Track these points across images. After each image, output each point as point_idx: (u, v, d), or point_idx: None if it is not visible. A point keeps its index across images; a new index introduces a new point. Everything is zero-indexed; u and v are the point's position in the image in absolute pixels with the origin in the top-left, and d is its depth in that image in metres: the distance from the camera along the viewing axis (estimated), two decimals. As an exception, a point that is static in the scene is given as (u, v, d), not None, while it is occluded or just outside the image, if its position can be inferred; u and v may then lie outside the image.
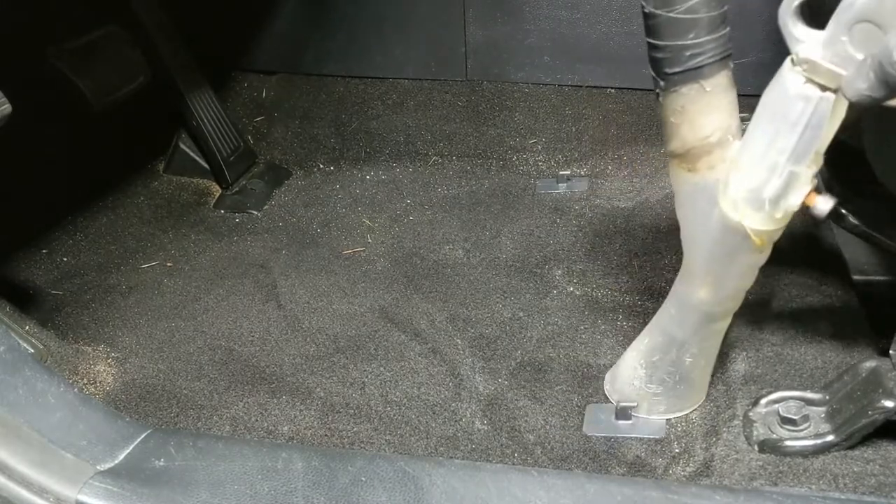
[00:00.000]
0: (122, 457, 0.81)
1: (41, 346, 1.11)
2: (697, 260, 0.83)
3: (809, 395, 0.88)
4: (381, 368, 1.10)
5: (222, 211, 1.59)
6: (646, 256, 1.27)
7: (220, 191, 1.65)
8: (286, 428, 1.01)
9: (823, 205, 0.73)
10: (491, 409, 1.01)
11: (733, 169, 0.74)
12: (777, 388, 0.91)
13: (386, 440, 0.98)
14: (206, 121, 1.65)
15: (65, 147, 1.51)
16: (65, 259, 1.43)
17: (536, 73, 1.71)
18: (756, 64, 1.56)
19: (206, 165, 1.67)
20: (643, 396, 0.94)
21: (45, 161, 1.46)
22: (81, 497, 0.76)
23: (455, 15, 1.71)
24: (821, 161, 0.71)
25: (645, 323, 1.13)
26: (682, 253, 1.27)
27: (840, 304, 1.07)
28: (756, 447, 0.85)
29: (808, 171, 0.71)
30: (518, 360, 1.09)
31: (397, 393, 1.06)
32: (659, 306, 1.17)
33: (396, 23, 1.75)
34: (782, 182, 0.71)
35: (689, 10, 0.70)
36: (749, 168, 0.72)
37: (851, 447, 0.82)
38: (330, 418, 1.02)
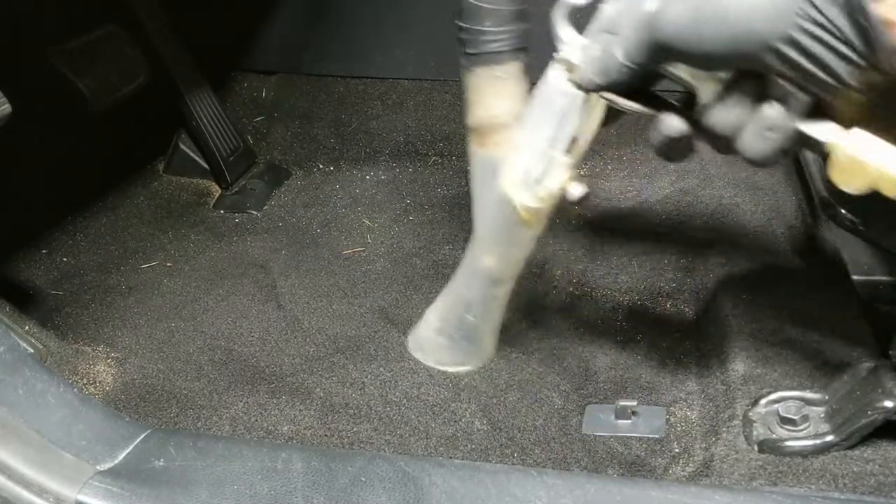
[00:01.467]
0: (121, 457, 0.81)
1: (41, 346, 1.11)
2: (483, 229, 0.95)
3: (809, 395, 0.88)
4: (381, 368, 1.10)
5: (222, 211, 1.59)
6: (645, 256, 1.27)
7: (220, 191, 1.65)
8: (286, 428, 1.01)
9: (576, 191, 0.80)
10: (491, 409, 1.01)
11: (511, 148, 0.83)
12: (777, 388, 0.91)
13: (386, 440, 0.98)
14: (205, 121, 1.65)
15: (65, 147, 1.51)
16: (65, 259, 1.43)
17: (536, 74, 1.71)
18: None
19: (205, 165, 1.67)
20: (433, 347, 1.06)
21: (45, 161, 1.46)
22: (81, 497, 0.76)
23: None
24: (581, 151, 0.80)
25: (644, 323, 1.13)
26: (682, 253, 1.27)
27: (840, 304, 1.07)
28: (756, 447, 0.85)
29: (565, 158, 0.79)
30: (517, 361, 1.09)
31: (397, 393, 1.06)
32: (658, 306, 1.17)
33: (396, 23, 1.74)
34: (543, 165, 0.80)
35: (490, 0, 0.81)
36: (521, 149, 0.81)
37: (851, 447, 0.82)
38: (330, 418, 1.02)
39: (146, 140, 1.71)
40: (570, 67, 0.72)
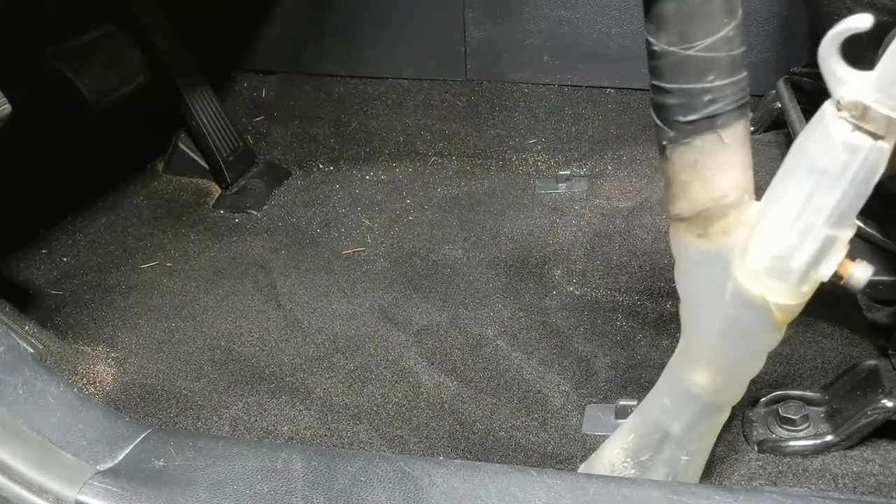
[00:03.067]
0: (121, 457, 0.81)
1: (41, 346, 1.11)
2: (703, 340, 0.71)
3: (809, 395, 0.88)
4: (381, 369, 1.10)
5: (222, 211, 1.59)
6: (645, 256, 1.27)
7: (220, 191, 1.65)
8: (286, 428, 1.01)
9: (861, 274, 0.62)
10: (490, 410, 1.01)
11: (754, 234, 0.64)
12: (777, 388, 0.91)
13: (386, 440, 0.98)
14: (205, 121, 1.65)
15: (65, 147, 1.51)
16: (65, 259, 1.43)
17: (536, 73, 1.71)
18: (755, 64, 1.56)
19: (205, 165, 1.67)
20: None
21: (45, 161, 1.46)
22: (81, 497, 0.76)
23: (455, 15, 1.71)
24: (857, 223, 0.62)
25: (644, 323, 1.13)
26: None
27: (840, 304, 1.07)
28: (755, 447, 0.85)
29: (847, 235, 0.61)
30: (518, 361, 1.09)
31: (397, 393, 1.06)
32: (658, 306, 1.17)
33: (396, 23, 1.75)
34: (817, 248, 0.61)
35: (709, 48, 0.60)
36: (776, 232, 0.63)
37: (851, 447, 0.82)
38: (329, 418, 1.02)
39: (146, 140, 1.71)
40: (862, 114, 0.55)
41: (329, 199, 1.58)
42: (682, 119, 0.64)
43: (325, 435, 1.00)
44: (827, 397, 0.87)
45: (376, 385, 1.07)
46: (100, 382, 1.11)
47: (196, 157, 1.68)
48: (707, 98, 0.62)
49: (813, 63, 1.37)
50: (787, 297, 0.64)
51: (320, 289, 1.30)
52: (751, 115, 0.65)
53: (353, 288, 1.29)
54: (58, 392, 0.83)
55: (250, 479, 0.77)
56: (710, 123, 0.63)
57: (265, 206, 1.59)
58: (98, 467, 0.79)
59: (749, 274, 0.64)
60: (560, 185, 1.52)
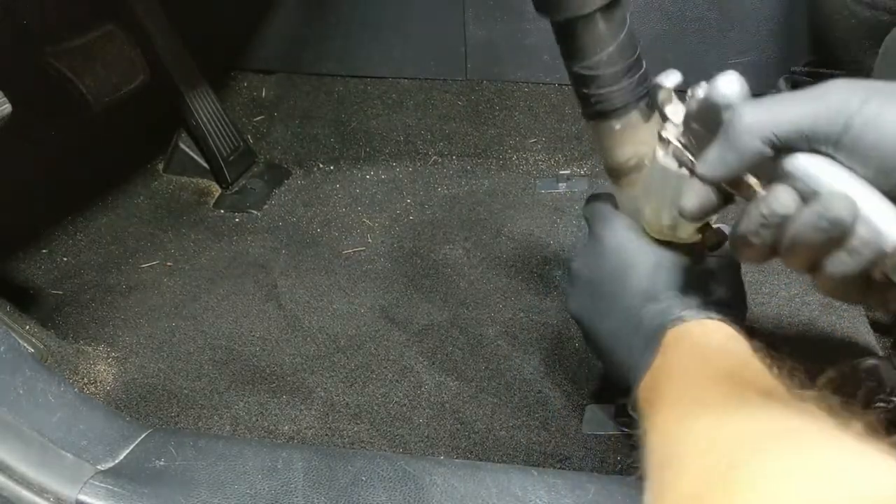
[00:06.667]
0: (122, 456, 0.81)
1: (41, 346, 1.11)
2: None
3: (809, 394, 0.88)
4: (382, 368, 1.10)
5: (222, 210, 1.59)
6: (646, 256, 1.27)
7: (220, 190, 1.65)
8: (286, 428, 1.01)
9: (713, 236, 0.71)
10: (491, 409, 1.01)
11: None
12: (777, 388, 0.91)
13: (386, 440, 0.98)
14: (205, 120, 1.65)
15: (65, 147, 1.51)
16: (65, 259, 1.43)
17: (536, 73, 1.71)
18: (756, 63, 1.56)
19: (205, 165, 1.67)
20: None
21: (45, 161, 1.46)
22: (82, 497, 0.76)
23: (455, 15, 1.71)
24: None
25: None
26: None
27: (840, 303, 1.07)
28: (756, 447, 0.85)
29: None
30: (518, 361, 1.09)
31: (398, 393, 1.06)
32: (659, 306, 1.17)
33: (396, 22, 1.74)
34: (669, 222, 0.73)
35: (587, 67, 0.78)
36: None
37: (851, 447, 0.82)
38: (330, 418, 1.02)
39: (146, 140, 1.71)
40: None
41: (329, 199, 1.58)
42: (581, 111, 0.82)
43: (326, 434, 1.00)
44: (827, 397, 0.87)
45: (377, 384, 1.07)
46: (100, 382, 1.11)
47: (196, 157, 1.68)
48: (593, 100, 0.79)
49: (813, 62, 1.37)
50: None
51: (321, 288, 1.30)
52: (646, 100, 0.79)
53: (354, 287, 1.29)
54: (58, 392, 0.84)
55: (251, 479, 0.77)
56: (600, 116, 0.79)
57: (265, 206, 1.59)
58: (99, 467, 0.79)
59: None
60: (560, 184, 1.52)
